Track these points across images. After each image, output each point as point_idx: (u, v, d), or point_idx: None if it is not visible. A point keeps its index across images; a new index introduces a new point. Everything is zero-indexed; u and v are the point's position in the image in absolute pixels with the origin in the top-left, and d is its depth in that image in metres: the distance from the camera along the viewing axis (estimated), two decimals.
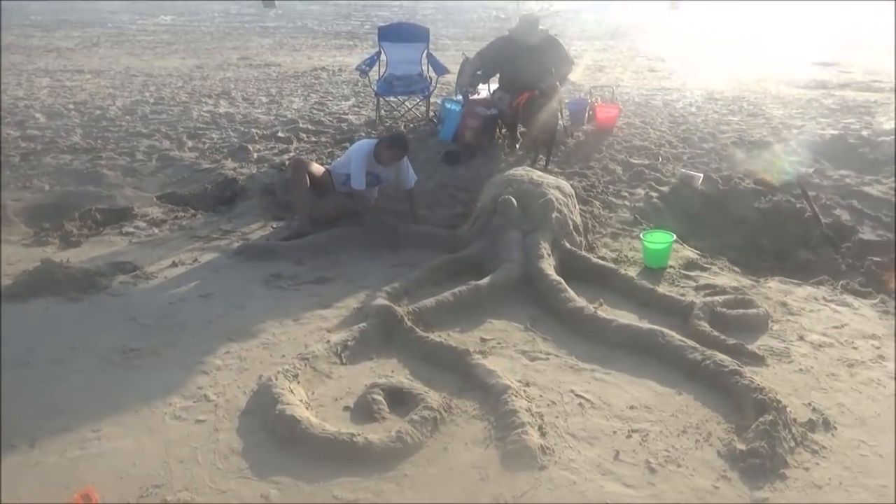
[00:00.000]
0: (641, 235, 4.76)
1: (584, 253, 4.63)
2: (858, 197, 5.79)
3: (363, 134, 7.17)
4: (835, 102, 9.48)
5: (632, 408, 3.04)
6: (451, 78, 8.09)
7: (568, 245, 4.64)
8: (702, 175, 6.01)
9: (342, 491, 2.47)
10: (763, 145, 6.90)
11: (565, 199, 4.93)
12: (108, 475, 2.53)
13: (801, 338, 3.75)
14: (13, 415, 2.86)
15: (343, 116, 8.00)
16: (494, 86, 6.99)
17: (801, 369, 3.42)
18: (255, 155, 6.61)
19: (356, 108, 8.58)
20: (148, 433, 2.77)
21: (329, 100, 9.12)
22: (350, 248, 4.88)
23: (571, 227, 4.76)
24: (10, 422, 2.81)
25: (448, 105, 6.88)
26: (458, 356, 3.31)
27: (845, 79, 11.73)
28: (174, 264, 4.55)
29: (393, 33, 7.94)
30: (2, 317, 3.69)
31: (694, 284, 4.43)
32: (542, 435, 2.79)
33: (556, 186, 5.00)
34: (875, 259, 4.88)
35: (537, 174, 5.11)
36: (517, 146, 6.76)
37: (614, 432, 2.85)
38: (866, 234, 5.28)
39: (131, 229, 5.20)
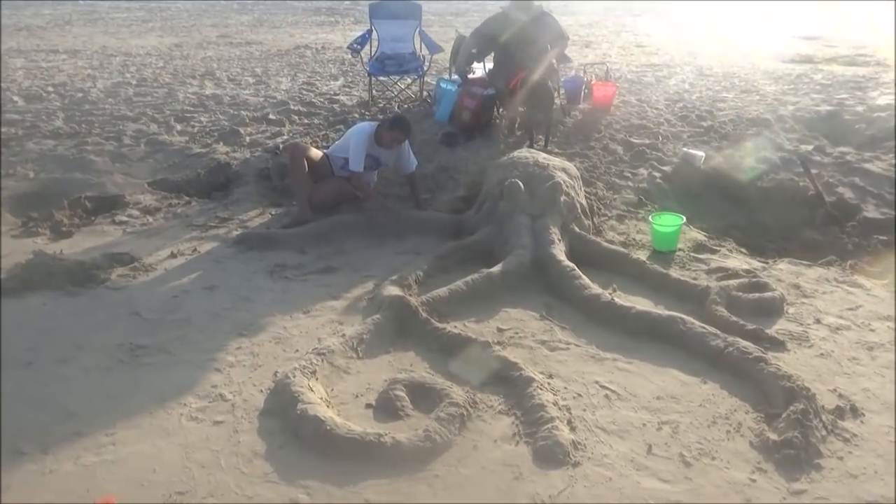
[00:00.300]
0: (650, 218, 4.70)
1: (593, 237, 4.56)
2: (860, 174, 5.77)
3: (357, 116, 7.00)
4: (824, 77, 9.44)
5: (658, 398, 2.99)
6: (445, 56, 7.91)
7: (577, 229, 4.57)
8: (703, 154, 5.95)
9: (373, 494, 2.39)
10: (762, 122, 6.85)
11: (571, 182, 4.84)
12: (128, 482, 2.43)
13: (817, 321, 3.73)
14: (21, 419, 2.74)
15: (334, 97, 7.80)
16: (490, 65, 6.84)
17: (821, 354, 3.39)
18: (248, 138, 6.42)
19: (346, 89, 8.37)
20: (165, 436, 2.66)
21: (317, 80, 8.89)
22: (353, 236, 4.76)
23: (579, 211, 4.69)
24: (18, 427, 2.69)
25: (444, 85, 6.72)
26: (479, 348, 3.23)
27: (831, 53, 11.69)
28: (173, 255, 4.40)
29: (384, 10, 7.72)
30: (1, 314, 3.53)
31: (705, 268, 4.39)
32: (572, 429, 2.73)
33: (563, 169, 4.91)
34: (881, 238, 4.87)
35: (543, 156, 5.01)
36: (515, 127, 6.64)
37: (644, 425, 2.80)
38: (870, 212, 5.27)
39: (124, 218, 5.03)
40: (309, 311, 3.70)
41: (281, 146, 6.10)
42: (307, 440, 2.62)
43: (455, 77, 6.80)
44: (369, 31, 7.58)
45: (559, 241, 4.30)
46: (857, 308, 3.89)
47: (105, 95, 7.83)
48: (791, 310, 3.85)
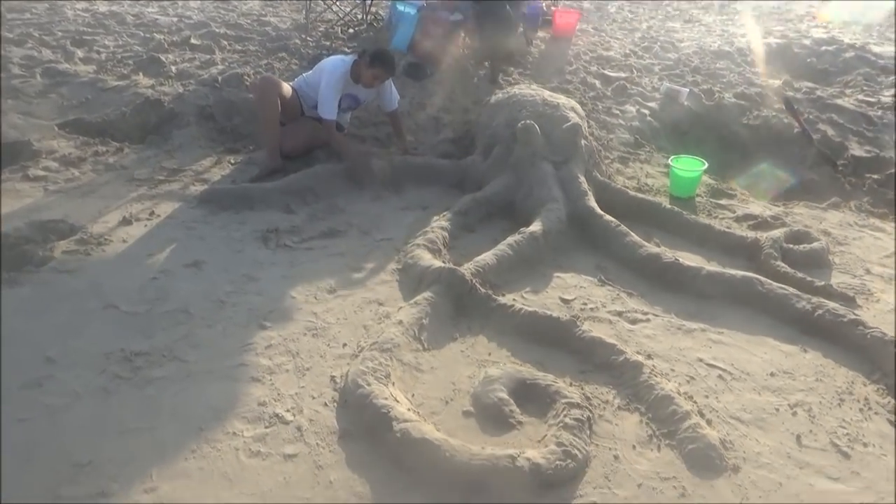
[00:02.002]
0: (671, 161, 4.35)
1: (619, 186, 4.15)
2: (835, 111, 5.74)
3: (297, 41, 6.04)
4: (752, 9, 9.49)
5: (772, 375, 2.68)
6: None
7: (600, 177, 4.14)
8: (687, 90, 5.67)
9: None
10: (725, 55, 6.67)
11: (582, 123, 4.37)
12: None
13: (867, 271, 3.58)
14: (10, 488, 1.95)
15: (262, 19, 6.71)
16: None
17: (890, 309, 3.24)
18: (174, 68, 5.33)
19: (270, 8, 7.26)
20: (229, 484, 2.00)
21: None
22: (341, 189, 4.05)
23: (598, 156, 4.25)
24: (11, 496, 1.91)
25: (401, 7, 5.91)
26: (564, 328, 2.75)
27: None
28: (126, 220, 3.51)
29: None
30: None
31: (732, 215, 4.14)
32: (709, 423, 2.36)
33: (571, 108, 4.42)
34: (874, 177, 4.85)
35: (548, 93, 4.48)
36: (483, 59, 6.00)
37: (776, 410, 2.49)
38: (855, 150, 5.24)
39: (40, 172, 3.97)
40: (335, 290, 3.03)
41: (220, 79, 5.11)
42: (418, 471, 2.06)
43: None
44: None
45: (590, 191, 3.85)
46: (890, 255, 3.79)
47: None
48: (836, 259, 3.68)
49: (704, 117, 5.54)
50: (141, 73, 5.20)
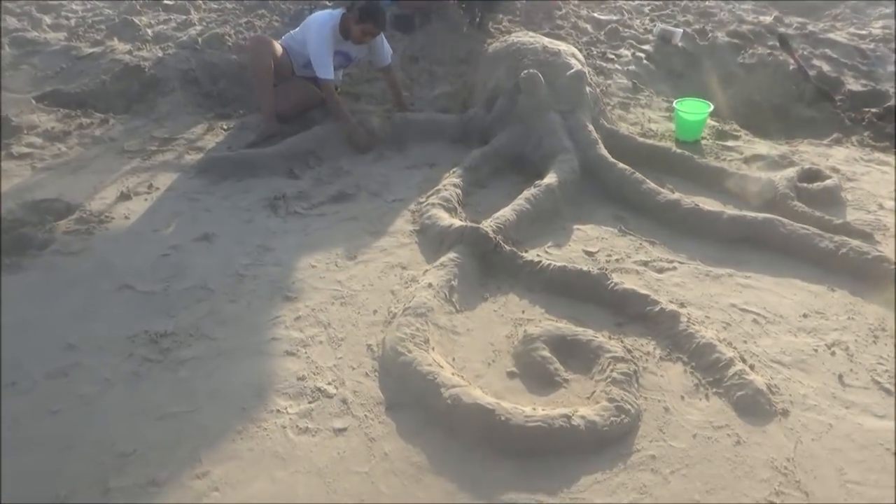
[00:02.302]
0: (675, 104, 4.27)
1: (626, 132, 4.07)
2: (828, 45, 5.69)
3: None
4: None
5: (805, 316, 2.68)
6: None
7: (606, 124, 4.06)
8: (681, 31, 5.55)
9: (596, 495, 1.88)
10: None
11: (584, 69, 4.25)
12: None
13: (880, 206, 3.58)
14: (54, 481, 1.87)
15: None
16: None
17: None
18: (149, 31, 5.06)
19: None
20: (282, 464, 1.94)
21: None
22: (344, 151, 3.92)
23: (602, 103, 4.16)
24: (55, 487, 1.83)
25: None
26: (595, 281, 2.71)
27: None
28: (124, 196, 3.36)
29: None
30: None
31: (740, 156, 4.10)
32: (752, 368, 2.36)
33: (572, 54, 4.29)
34: (872, 111, 4.84)
35: (547, 40, 4.34)
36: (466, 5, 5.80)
37: (815, 351, 2.49)
38: (851, 84, 5.22)
39: (24, 149, 3.77)
40: (355, 256, 2.94)
41: (200, 41, 4.87)
42: (473, 437, 2.02)
43: None
44: None
45: (600, 140, 3.77)
46: None
47: None
48: (849, 196, 3.67)
49: (699, 58, 5.45)
50: (115, 38, 4.93)
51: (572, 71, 3.96)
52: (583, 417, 2.05)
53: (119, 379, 2.21)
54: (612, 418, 2.08)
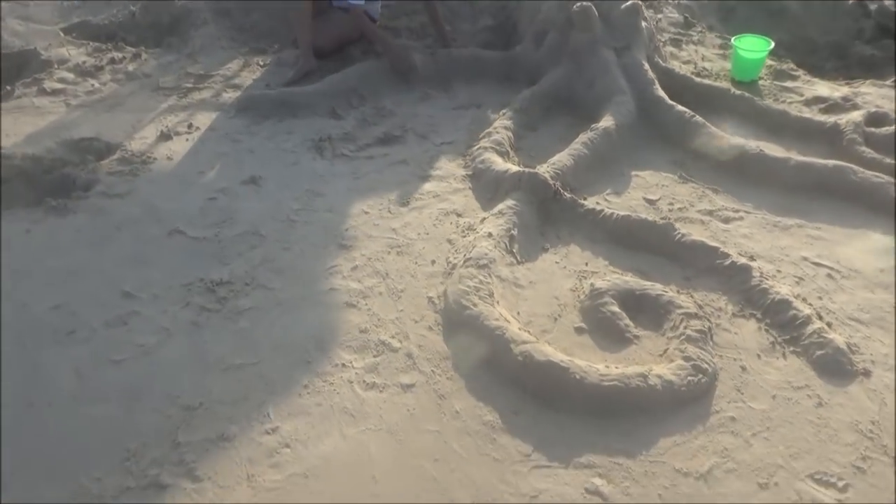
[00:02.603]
0: (733, 41, 4.03)
1: (683, 73, 3.86)
2: None
3: None
4: None
5: (882, 271, 2.56)
6: None
7: (662, 63, 3.85)
8: None
9: (676, 458, 1.83)
10: None
11: (640, 1, 4.00)
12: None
13: None
14: (122, 430, 1.84)
15: None
16: None
17: None
18: None
19: None
20: (352, 420, 1.89)
21: None
22: (387, 90, 3.75)
23: (657, 39, 3.93)
24: (125, 446, 1.80)
25: None
26: (661, 232, 2.59)
27: None
28: (164, 135, 3.24)
29: None
30: None
31: (800, 98, 3.88)
32: (829, 326, 2.26)
33: None
34: None
35: None
36: None
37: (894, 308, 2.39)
38: None
39: (57, 84, 3.64)
40: (408, 202, 2.83)
41: None
42: (546, 395, 1.96)
43: None
44: None
45: (655, 79, 3.58)
46: None
47: None
48: None
49: None
50: None
51: (627, 3, 3.73)
52: (659, 377, 1.98)
53: (178, 329, 2.16)
54: (689, 377, 2.01)
